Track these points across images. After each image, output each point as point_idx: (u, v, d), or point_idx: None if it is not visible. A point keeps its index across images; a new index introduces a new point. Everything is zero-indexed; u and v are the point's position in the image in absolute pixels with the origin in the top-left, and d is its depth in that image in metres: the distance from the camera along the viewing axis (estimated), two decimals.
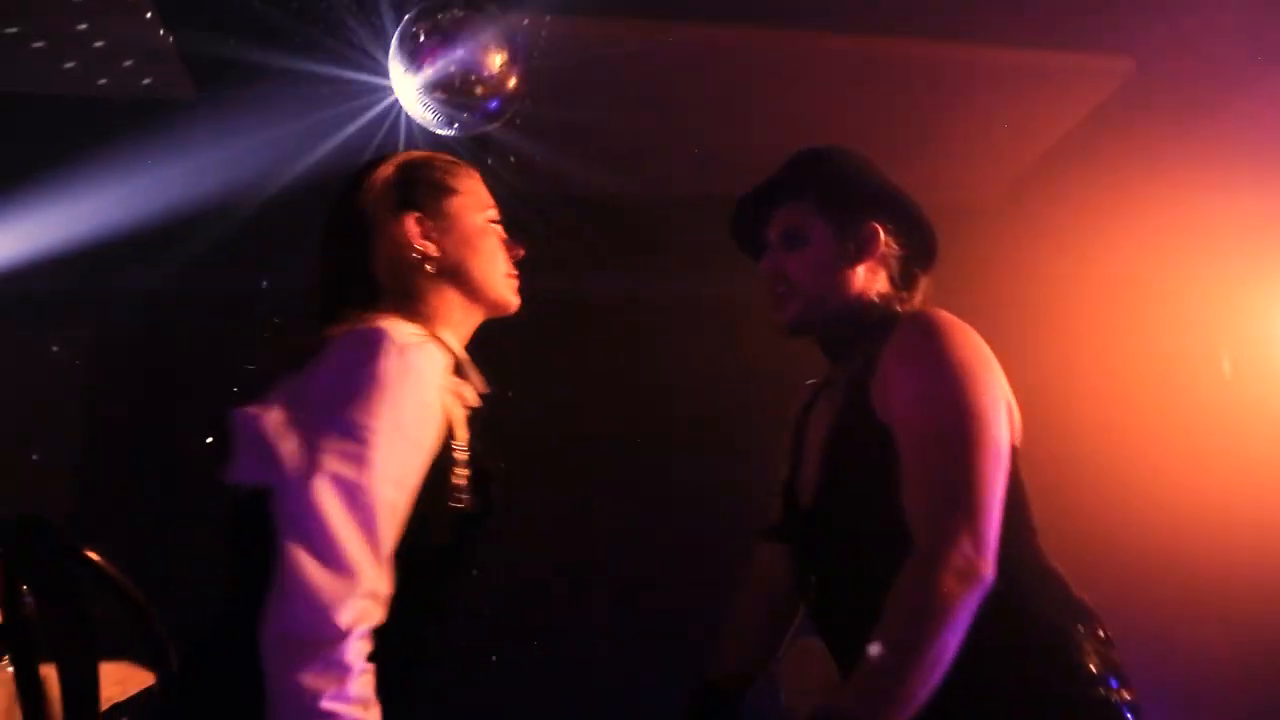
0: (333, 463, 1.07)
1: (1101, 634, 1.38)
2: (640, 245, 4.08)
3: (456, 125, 2.97)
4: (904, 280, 1.57)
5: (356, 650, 1.03)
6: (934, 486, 1.29)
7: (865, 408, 1.41)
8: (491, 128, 3.07)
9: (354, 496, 1.06)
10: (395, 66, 2.92)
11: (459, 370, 1.30)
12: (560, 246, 4.00)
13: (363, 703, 1.02)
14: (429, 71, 2.86)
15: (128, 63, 3.51)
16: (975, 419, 1.31)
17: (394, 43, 2.91)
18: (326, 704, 1.00)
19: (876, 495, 1.35)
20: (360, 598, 1.04)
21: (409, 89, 2.93)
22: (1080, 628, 1.36)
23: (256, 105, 3.30)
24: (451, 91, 2.89)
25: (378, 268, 1.30)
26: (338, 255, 1.33)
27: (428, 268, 1.33)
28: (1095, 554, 3.47)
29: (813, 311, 1.55)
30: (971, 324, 1.42)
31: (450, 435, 1.22)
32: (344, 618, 1.02)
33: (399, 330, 1.17)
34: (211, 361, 3.27)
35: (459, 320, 1.36)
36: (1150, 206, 3.80)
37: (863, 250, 1.54)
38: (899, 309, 1.54)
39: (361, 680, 1.02)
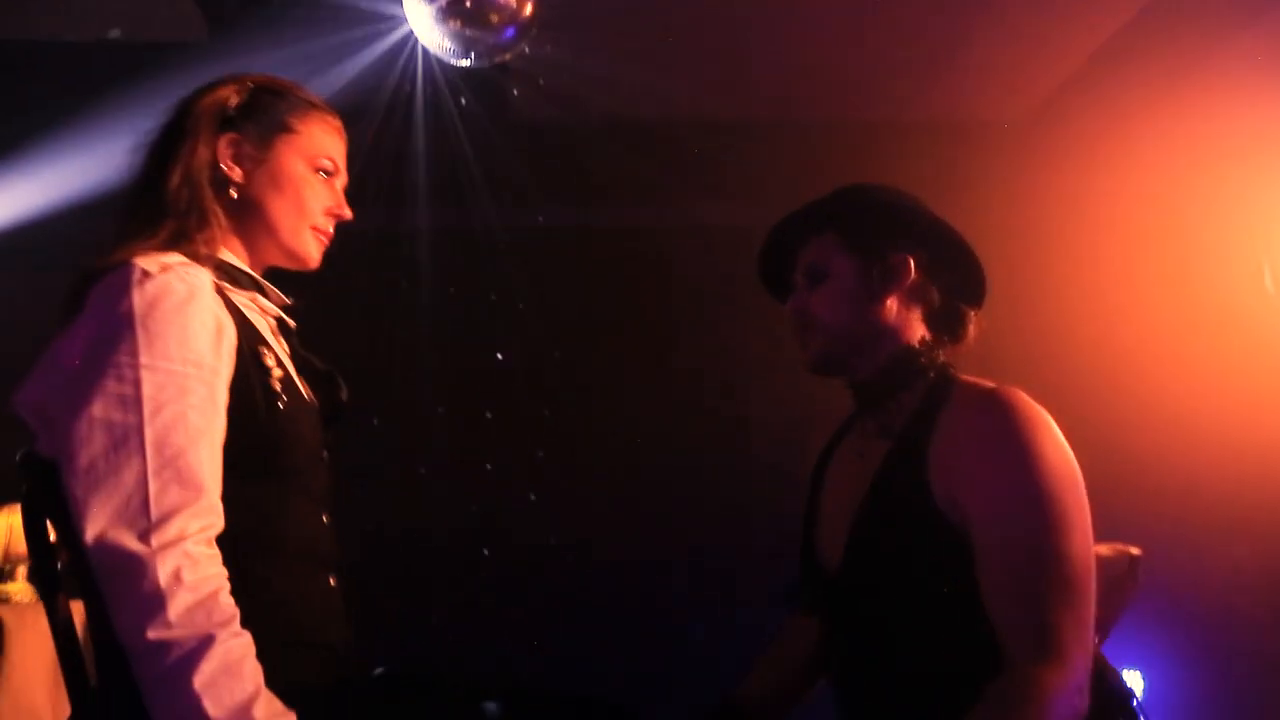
0: (102, 409, 1.08)
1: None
2: (665, 172, 4.02)
3: (472, 54, 2.91)
4: (946, 318, 1.47)
5: (166, 571, 1.02)
6: (1040, 605, 1.23)
7: (919, 484, 1.33)
8: (508, 56, 3.02)
9: (128, 438, 1.07)
10: None
11: (251, 284, 1.32)
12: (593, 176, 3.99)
13: (188, 619, 1.01)
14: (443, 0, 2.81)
15: (139, 5, 3.47)
16: (1071, 525, 1.26)
17: None
18: (153, 635, 1.01)
19: (918, 576, 1.30)
20: (161, 520, 1.05)
21: (424, 19, 2.87)
22: (1119, 717, 1.35)
23: (269, 42, 3.25)
24: (466, 19, 2.83)
25: (171, 181, 1.27)
26: (145, 155, 1.32)
27: (231, 193, 1.30)
28: (1132, 472, 3.45)
29: (837, 347, 1.46)
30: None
31: (253, 344, 1.23)
32: (136, 544, 1.03)
33: (151, 261, 1.17)
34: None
35: (249, 254, 1.35)
36: (1185, 120, 3.70)
37: (890, 281, 1.44)
38: (942, 358, 1.45)
39: (184, 598, 1.02)
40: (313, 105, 1.39)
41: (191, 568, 1.04)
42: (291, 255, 1.37)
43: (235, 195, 1.31)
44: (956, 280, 1.47)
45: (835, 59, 3.72)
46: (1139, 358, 3.71)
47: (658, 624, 3.73)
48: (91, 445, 1.08)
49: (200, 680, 1.00)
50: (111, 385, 1.09)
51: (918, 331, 1.45)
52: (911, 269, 1.44)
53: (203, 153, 1.29)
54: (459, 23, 2.83)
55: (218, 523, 1.10)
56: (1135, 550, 1.60)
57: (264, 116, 1.34)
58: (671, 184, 4.02)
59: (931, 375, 1.43)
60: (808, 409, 1.60)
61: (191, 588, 1.03)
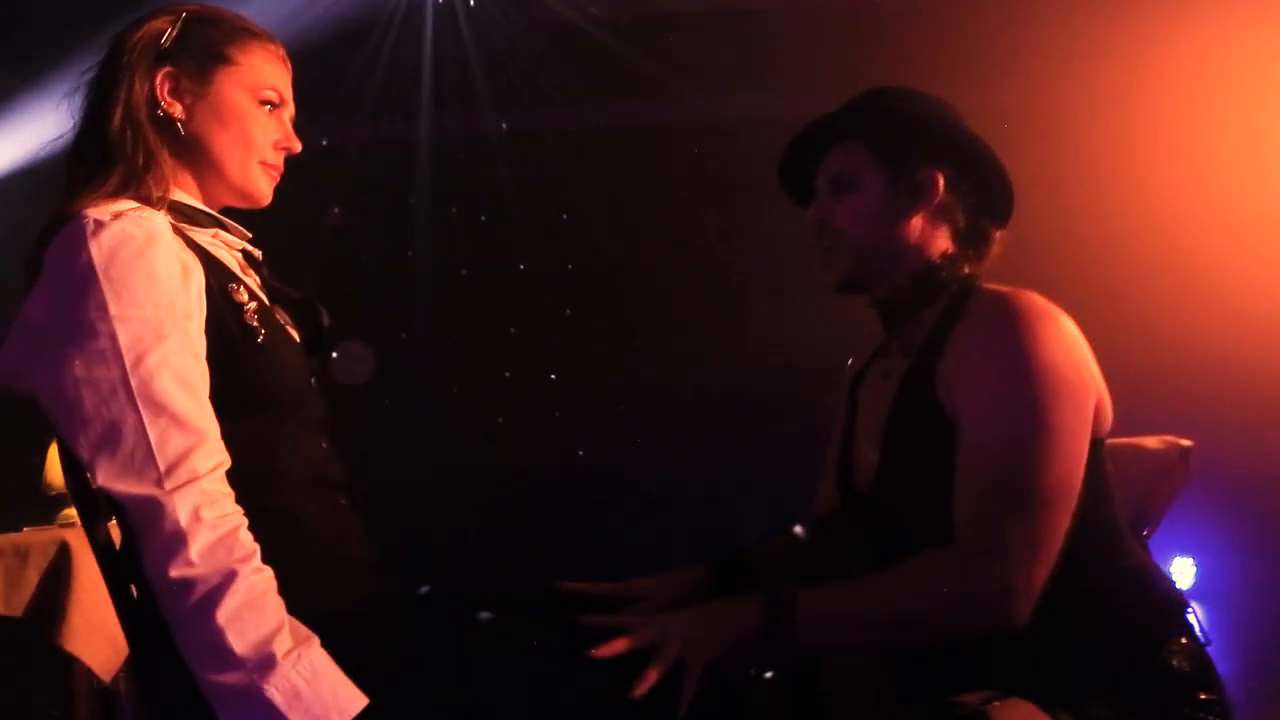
0: (84, 368, 1.07)
1: (1195, 632, 1.32)
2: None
3: None
4: (971, 237, 1.42)
5: (185, 510, 1.04)
6: (992, 497, 1.21)
7: (929, 392, 1.31)
8: None
9: (115, 392, 1.06)
10: None
11: (210, 222, 1.28)
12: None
13: (210, 557, 1.03)
14: None
15: None
16: (1052, 434, 1.22)
17: None
18: (175, 573, 1.02)
19: (938, 488, 1.27)
20: (171, 466, 1.05)
21: None
22: (1169, 627, 1.30)
23: None
24: None
25: (113, 122, 1.22)
26: (84, 101, 1.27)
27: (176, 129, 1.26)
28: (1189, 360, 3.38)
29: (863, 266, 1.41)
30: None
31: (222, 281, 1.20)
32: (152, 489, 1.04)
33: (102, 210, 1.14)
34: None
35: (199, 194, 1.31)
36: None
37: (918, 198, 1.39)
38: (968, 271, 1.41)
39: (204, 536, 1.03)
40: (252, 34, 1.33)
41: (210, 505, 1.05)
42: (240, 193, 1.32)
43: (177, 133, 1.26)
44: (984, 199, 1.42)
45: None
46: (1197, 241, 3.59)
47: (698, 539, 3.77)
48: (81, 406, 1.07)
49: (224, 615, 1.01)
50: (87, 343, 1.07)
51: (940, 247, 1.41)
52: (940, 186, 1.39)
53: (139, 89, 1.24)
54: None
55: (226, 460, 1.10)
56: (1186, 442, 1.57)
57: (199, 48, 1.28)
58: (707, 76, 3.92)
59: (953, 289, 1.39)
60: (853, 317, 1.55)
61: (211, 525, 1.04)
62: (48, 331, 1.10)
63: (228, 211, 1.34)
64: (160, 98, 1.25)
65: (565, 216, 4.19)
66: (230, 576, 1.02)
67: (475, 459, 4.16)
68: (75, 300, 1.09)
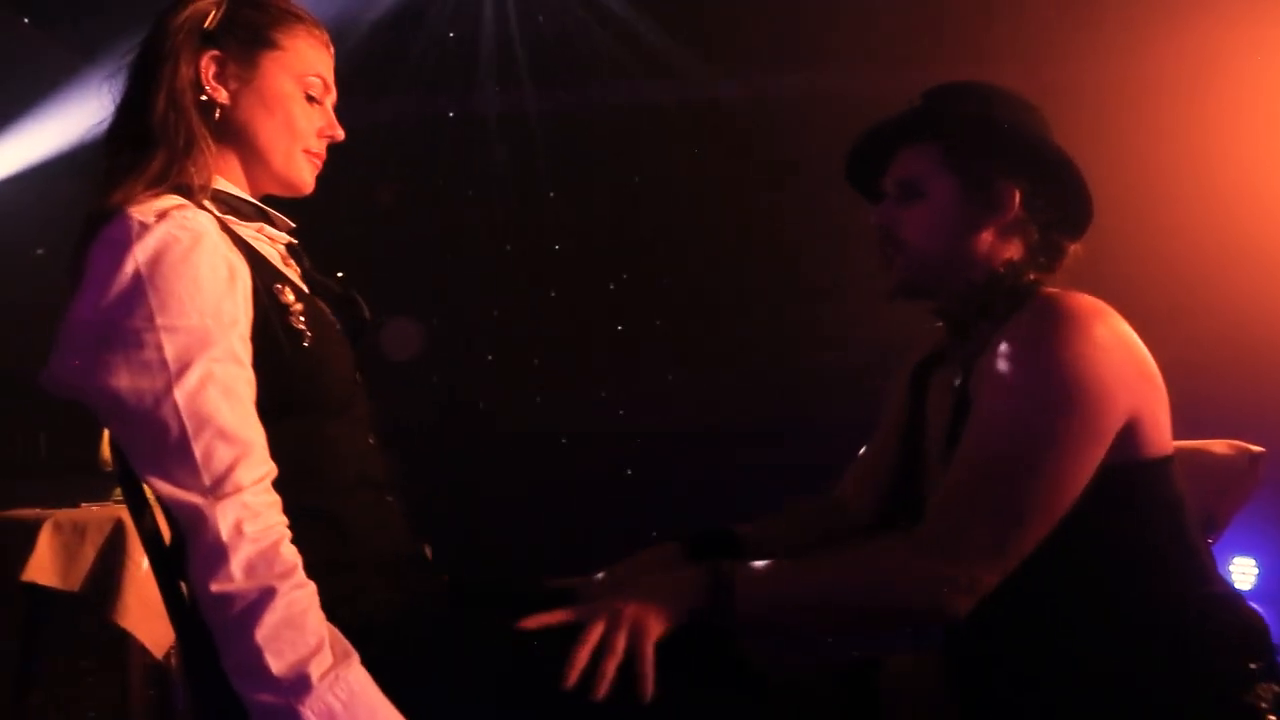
0: (129, 379, 1.06)
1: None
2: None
3: None
4: (1044, 250, 1.33)
5: (227, 523, 1.03)
6: (967, 492, 1.17)
7: (967, 403, 1.25)
8: None
9: (161, 405, 1.06)
10: None
11: (255, 213, 1.26)
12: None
13: (250, 572, 1.02)
14: None
15: None
16: (1048, 444, 1.15)
17: None
18: (215, 588, 1.02)
19: None
20: (216, 479, 1.05)
21: None
22: (1256, 667, 1.22)
23: None
24: None
25: (156, 106, 1.20)
26: (126, 85, 1.24)
27: (217, 115, 1.23)
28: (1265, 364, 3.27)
29: (924, 277, 1.35)
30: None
31: (268, 282, 1.18)
32: (197, 499, 1.04)
33: (146, 209, 1.12)
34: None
35: (243, 181, 1.28)
36: None
37: (991, 211, 1.31)
38: (1033, 278, 1.32)
39: (245, 550, 1.03)
40: (298, 18, 1.29)
41: (252, 519, 1.05)
42: (284, 181, 1.30)
43: (221, 118, 1.23)
44: (1062, 214, 1.33)
45: None
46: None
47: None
48: (128, 416, 1.07)
49: (262, 633, 1.01)
50: (134, 353, 1.06)
51: (1008, 257, 1.33)
52: (1016, 203, 1.31)
53: (184, 73, 1.21)
54: None
55: (272, 470, 1.10)
56: (1257, 448, 1.52)
57: (246, 32, 1.25)
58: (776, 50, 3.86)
59: (1014, 296, 1.30)
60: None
61: (253, 539, 1.04)
62: (94, 339, 1.09)
63: (269, 200, 1.32)
64: (205, 82, 1.23)
65: (608, 194, 4.17)
66: (270, 594, 1.02)
67: (518, 431, 4.18)
68: (121, 308, 1.08)
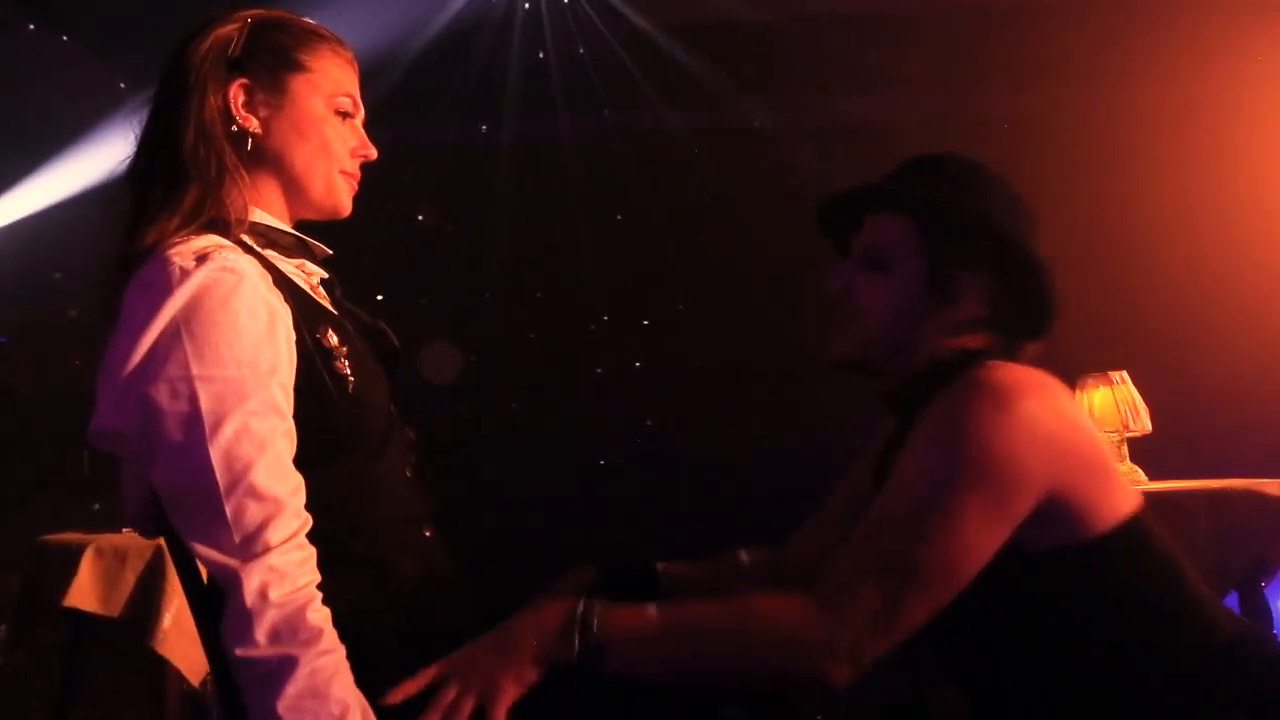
0: (164, 432, 1.05)
1: None
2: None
3: None
4: (1001, 349, 1.28)
5: (252, 588, 1.02)
6: (860, 557, 1.13)
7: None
8: None
9: (195, 459, 1.04)
10: None
11: (293, 243, 1.23)
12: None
13: (274, 638, 1.01)
14: None
15: None
16: (948, 516, 1.11)
17: None
18: (240, 652, 1.01)
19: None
20: (245, 539, 1.03)
21: None
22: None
23: None
24: None
25: (186, 139, 1.17)
26: (150, 120, 1.21)
27: (249, 145, 1.20)
28: None
29: (872, 350, 1.30)
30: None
31: (312, 325, 1.16)
32: (225, 559, 1.03)
33: (184, 252, 1.09)
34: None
35: (278, 209, 1.25)
36: None
37: (949, 301, 1.26)
38: (979, 353, 1.27)
39: (269, 616, 1.02)
40: (322, 37, 1.26)
41: (279, 582, 1.03)
42: (322, 207, 1.27)
43: (254, 147, 1.20)
44: (1022, 315, 1.28)
45: None
46: None
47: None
48: (162, 470, 1.06)
49: (284, 704, 0.99)
50: (167, 404, 1.05)
51: (958, 348, 1.27)
52: (976, 299, 1.27)
53: (213, 103, 1.18)
54: None
55: (305, 523, 1.08)
56: None
57: (271, 56, 1.21)
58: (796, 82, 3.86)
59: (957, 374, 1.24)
60: None
61: (278, 604, 1.02)
62: (131, 390, 1.07)
63: (302, 224, 1.30)
64: (235, 112, 1.20)
65: (639, 220, 4.18)
66: (292, 662, 1.01)
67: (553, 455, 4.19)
68: (157, 358, 1.06)
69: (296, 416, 1.11)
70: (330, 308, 1.26)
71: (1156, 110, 3.57)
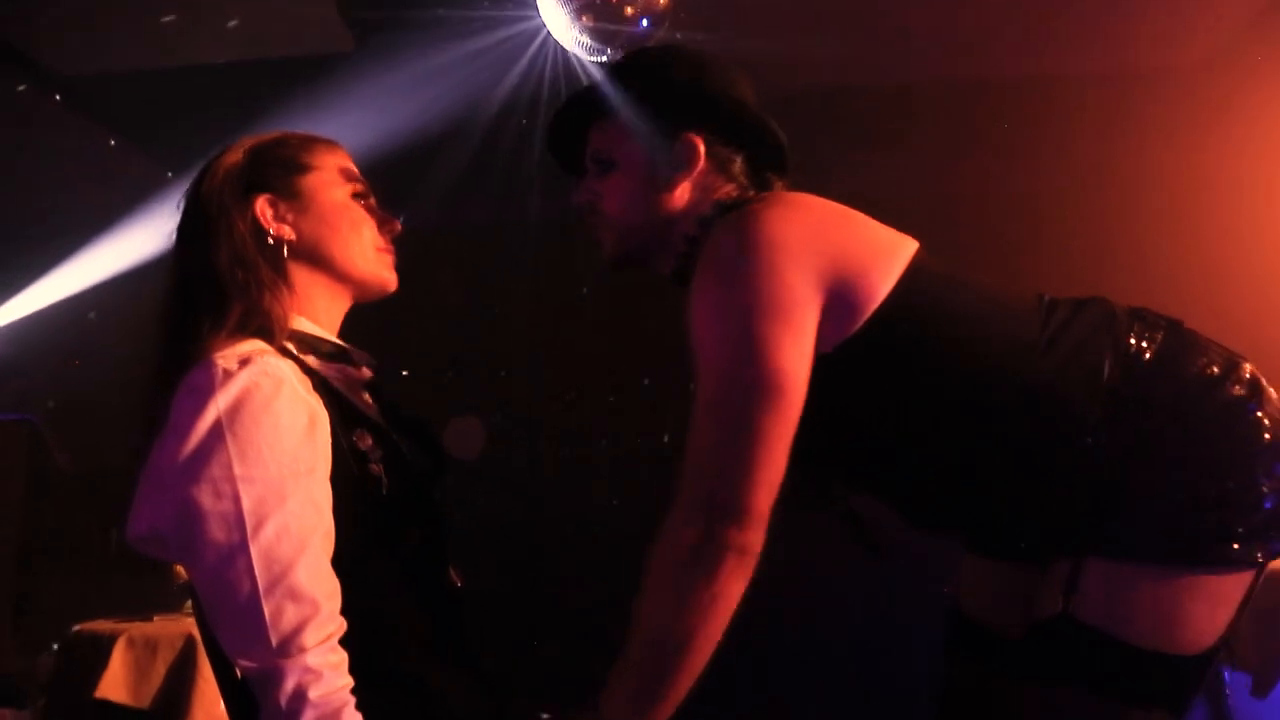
0: (206, 531, 1.06)
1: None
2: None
3: (609, 50, 2.86)
4: (755, 186, 1.36)
5: (288, 689, 1.03)
6: (694, 438, 1.14)
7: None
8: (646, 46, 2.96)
9: (235, 559, 1.06)
10: None
11: (334, 351, 1.26)
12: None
13: None
14: None
15: (291, 25, 3.59)
16: (746, 352, 1.14)
17: None
18: None
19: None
20: (282, 640, 1.04)
21: (559, 19, 2.83)
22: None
23: (411, 51, 3.30)
24: (600, 14, 2.78)
25: (220, 263, 1.21)
26: (181, 255, 1.25)
27: (284, 253, 1.25)
28: None
29: (629, 242, 1.37)
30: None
31: (348, 428, 1.18)
32: (262, 660, 1.04)
33: (229, 356, 1.13)
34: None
35: (326, 305, 1.30)
36: None
37: (679, 167, 1.34)
38: (734, 205, 1.32)
39: (309, 715, 1.03)
40: (313, 138, 1.34)
41: (316, 683, 1.04)
42: (365, 286, 1.32)
43: (289, 253, 1.26)
44: (755, 152, 1.37)
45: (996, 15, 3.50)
46: None
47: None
48: (202, 569, 1.08)
49: None
50: (210, 503, 1.07)
51: (716, 199, 1.34)
52: (702, 150, 1.34)
53: (241, 225, 1.24)
54: (593, 18, 2.78)
55: (341, 627, 1.09)
56: None
57: (280, 167, 1.28)
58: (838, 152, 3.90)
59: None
60: None
61: (315, 704, 1.03)
62: (174, 489, 1.09)
63: (352, 329, 1.33)
64: (267, 225, 1.25)
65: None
66: None
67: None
68: (202, 458, 1.08)
69: (333, 517, 1.13)
70: (369, 411, 1.28)
71: (1157, 110, 3.59)
